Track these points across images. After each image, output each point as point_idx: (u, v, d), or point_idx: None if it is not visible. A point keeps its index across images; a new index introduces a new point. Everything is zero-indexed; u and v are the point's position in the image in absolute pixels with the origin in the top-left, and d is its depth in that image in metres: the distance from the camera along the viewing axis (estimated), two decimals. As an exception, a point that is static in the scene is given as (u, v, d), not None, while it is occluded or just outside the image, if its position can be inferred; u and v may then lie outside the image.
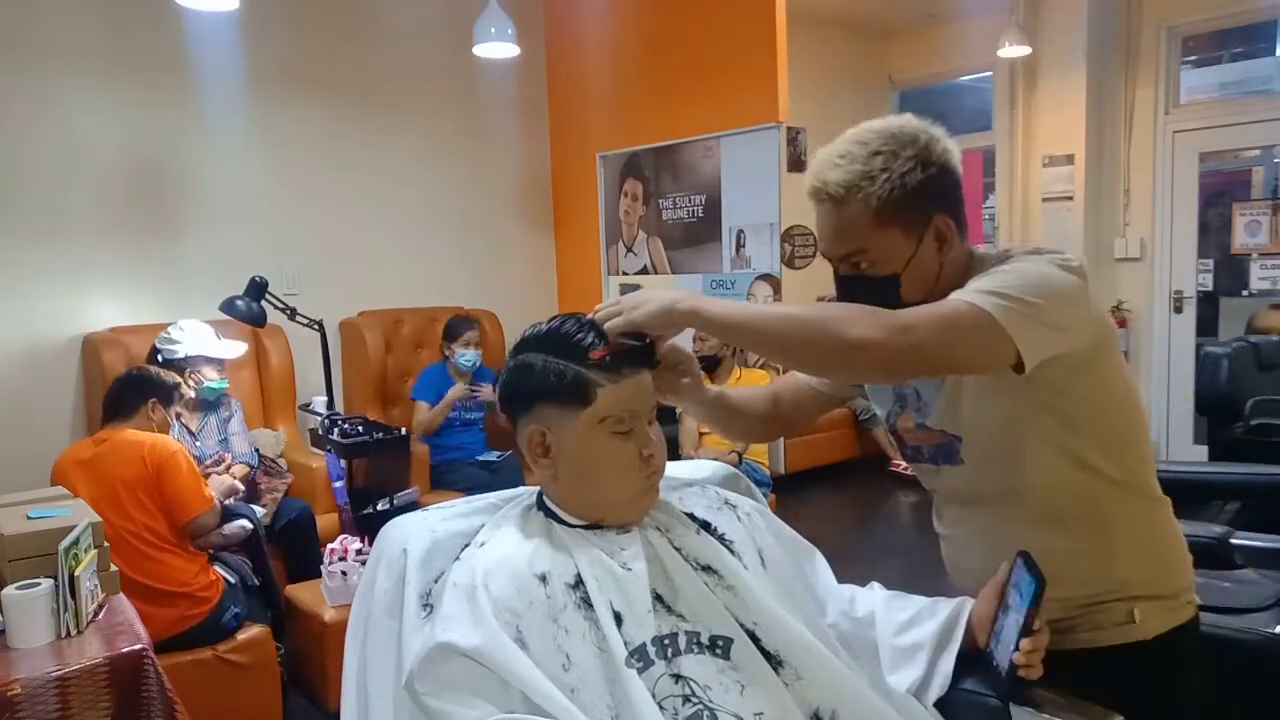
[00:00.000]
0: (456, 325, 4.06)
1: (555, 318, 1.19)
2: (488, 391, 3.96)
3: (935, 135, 1.21)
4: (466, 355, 3.99)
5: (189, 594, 2.50)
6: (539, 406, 1.15)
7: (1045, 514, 1.24)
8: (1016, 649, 1.08)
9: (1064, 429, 1.20)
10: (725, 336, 1.27)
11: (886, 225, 1.19)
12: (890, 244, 1.20)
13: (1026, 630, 1.08)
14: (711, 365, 3.75)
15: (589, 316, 1.17)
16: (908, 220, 1.19)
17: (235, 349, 3.44)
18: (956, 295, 1.11)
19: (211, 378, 3.26)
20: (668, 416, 3.84)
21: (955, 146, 1.23)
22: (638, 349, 1.15)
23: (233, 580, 2.69)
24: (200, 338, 3.29)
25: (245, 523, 2.84)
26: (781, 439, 4.03)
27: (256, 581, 2.83)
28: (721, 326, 1.14)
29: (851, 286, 1.24)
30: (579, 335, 1.14)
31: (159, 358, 3.19)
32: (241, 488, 3.07)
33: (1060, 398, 1.19)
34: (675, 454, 3.67)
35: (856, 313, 1.09)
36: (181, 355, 3.20)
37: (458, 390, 3.95)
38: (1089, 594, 1.24)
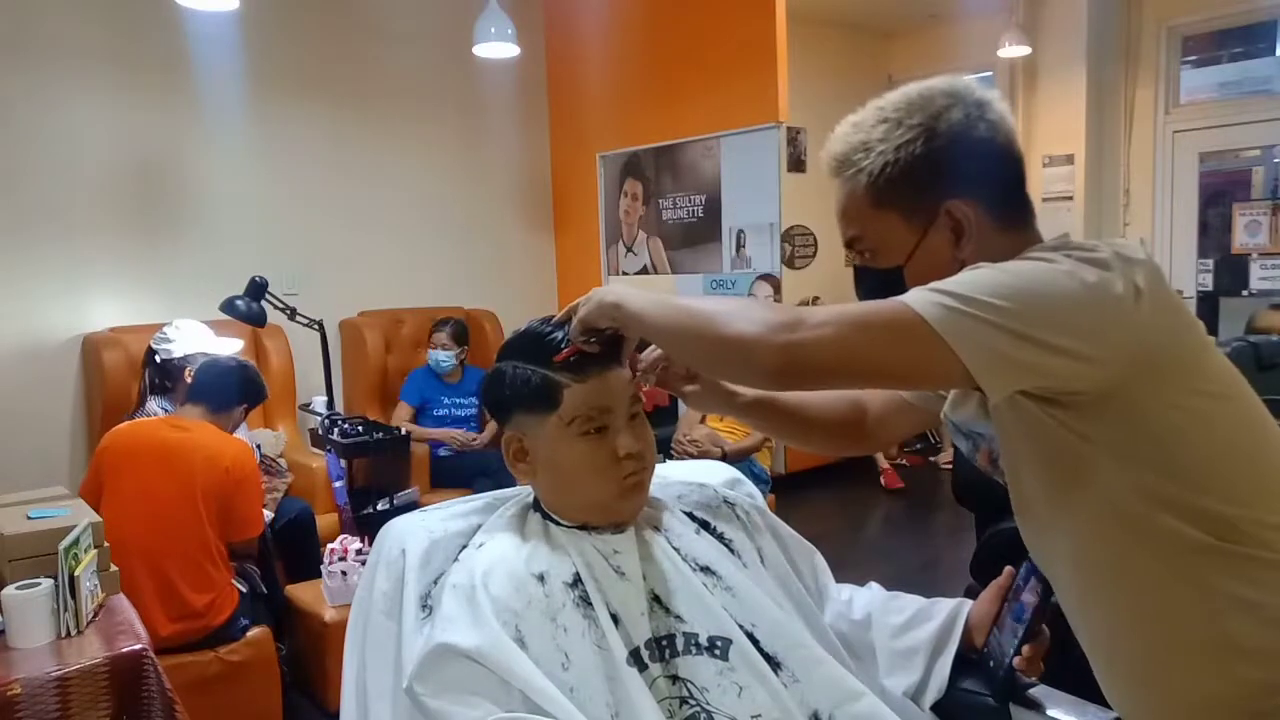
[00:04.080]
0: (435, 326, 4.07)
1: (531, 320, 1.17)
2: (485, 438, 3.92)
3: (961, 99, 0.97)
4: (437, 355, 3.98)
5: (212, 603, 2.45)
6: (515, 413, 1.15)
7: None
8: (1018, 652, 1.08)
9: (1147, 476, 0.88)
10: (642, 333, 1.04)
11: (883, 208, 0.99)
12: (888, 231, 1.00)
13: (1029, 635, 1.08)
14: None
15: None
16: (909, 204, 0.98)
17: (232, 345, 3.44)
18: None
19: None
20: (669, 416, 3.85)
21: (1002, 111, 0.99)
22: (602, 345, 1.09)
23: (244, 590, 2.67)
24: (197, 335, 3.29)
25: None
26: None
27: (265, 590, 2.81)
28: (638, 322, 0.99)
29: (860, 278, 1.06)
30: (548, 337, 1.12)
31: (156, 358, 3.18)
32: None
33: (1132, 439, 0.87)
34: (670, 454, 3.66)
35: (747, 306, 0.90)
36: (179, 354, 3.20)
37: (449, 437, 3.92)
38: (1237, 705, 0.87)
